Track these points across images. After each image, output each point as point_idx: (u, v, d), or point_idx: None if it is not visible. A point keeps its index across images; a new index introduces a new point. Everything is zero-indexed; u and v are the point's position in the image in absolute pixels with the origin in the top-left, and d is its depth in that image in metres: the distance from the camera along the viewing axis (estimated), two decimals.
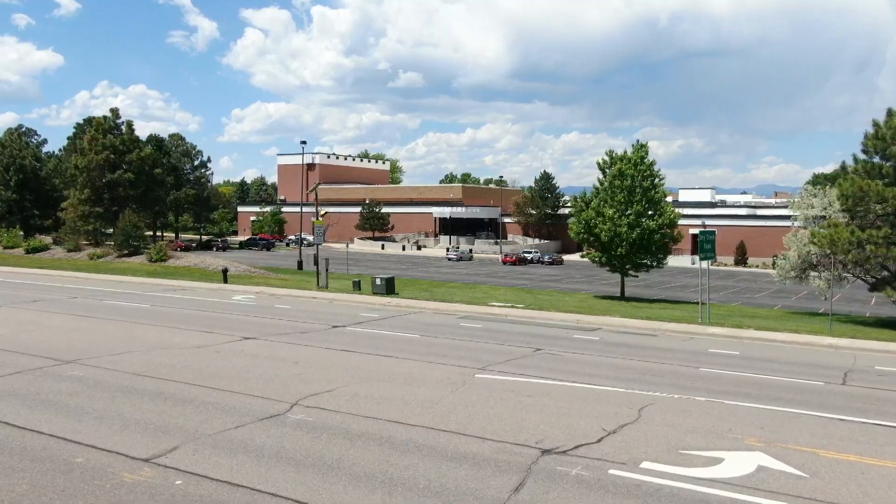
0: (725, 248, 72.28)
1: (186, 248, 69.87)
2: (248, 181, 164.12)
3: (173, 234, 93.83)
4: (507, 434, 9.79)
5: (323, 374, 13.72)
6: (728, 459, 8.98)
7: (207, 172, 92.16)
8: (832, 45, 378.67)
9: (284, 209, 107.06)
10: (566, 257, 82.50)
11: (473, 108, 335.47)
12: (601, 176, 43.56)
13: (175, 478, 7.81)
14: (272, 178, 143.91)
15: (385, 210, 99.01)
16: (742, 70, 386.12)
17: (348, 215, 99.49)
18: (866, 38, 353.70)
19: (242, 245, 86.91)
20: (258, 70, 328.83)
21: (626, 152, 42.63)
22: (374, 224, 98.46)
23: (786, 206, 65.53)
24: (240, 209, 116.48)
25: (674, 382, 14.22)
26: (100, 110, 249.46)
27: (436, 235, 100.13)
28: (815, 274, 34.31)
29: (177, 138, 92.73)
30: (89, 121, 79.74)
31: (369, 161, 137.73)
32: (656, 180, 42.08)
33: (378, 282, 33.70)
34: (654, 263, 42.79)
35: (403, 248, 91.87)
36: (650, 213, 41.32)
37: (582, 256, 57.00)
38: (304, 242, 64.12)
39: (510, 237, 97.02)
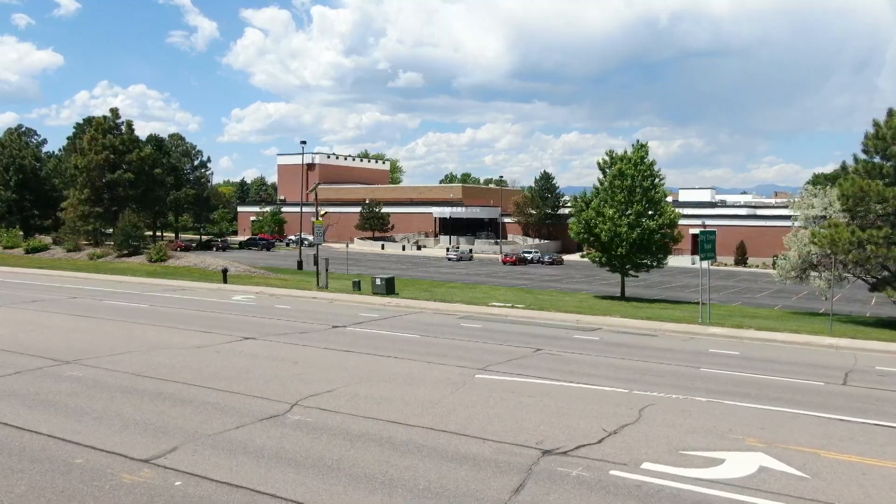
0: (725, 248, 72.26)
1: (186, 248, 69.84)
2: (248, 181, 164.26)
3: (173, 234, 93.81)
4: (507, 435, 9.76)
5: (323, 375, 13.70)
6: (729, 460, 8.96)
7: (207, 172, 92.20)
8: (832, 45, 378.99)
9: (284, 209, 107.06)
10: (566, 257, 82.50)
11: (473, 108, 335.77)
12: (601, 176, 43.55)
13: (174, 479, 7.79)
14: (272, 178, 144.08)
15: (385, 210, 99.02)
16: (742, 70, 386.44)
17: (348, 215, 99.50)
18: (866, 38, 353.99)
19: (242, 245, 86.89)
20: (258, 70, 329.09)
21: (626, 152, 42.62)
22: (374, 224, 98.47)
23: (786, 206, 65.53)
24: (240, 209, 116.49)
25: (674, 383, 14.19)
26: (100, 110, 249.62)
27: (436, 235, 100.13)
28: (816, 274, 34.29)
29: (177, 138, 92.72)
30: (89, 121, 79.71)
31: (369, 161, 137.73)
32: (656, 180, 42.07)
33: (378, 282, 33.68)
34: (655, 263, 42.78)
35: (403, 248, 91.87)
36: (650, 213, 41.31)
37: (582, 256, 57.01)
38: (305, 243, 64.11)
39: (510, 237, 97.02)
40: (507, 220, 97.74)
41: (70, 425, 9.71)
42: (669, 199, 49.36)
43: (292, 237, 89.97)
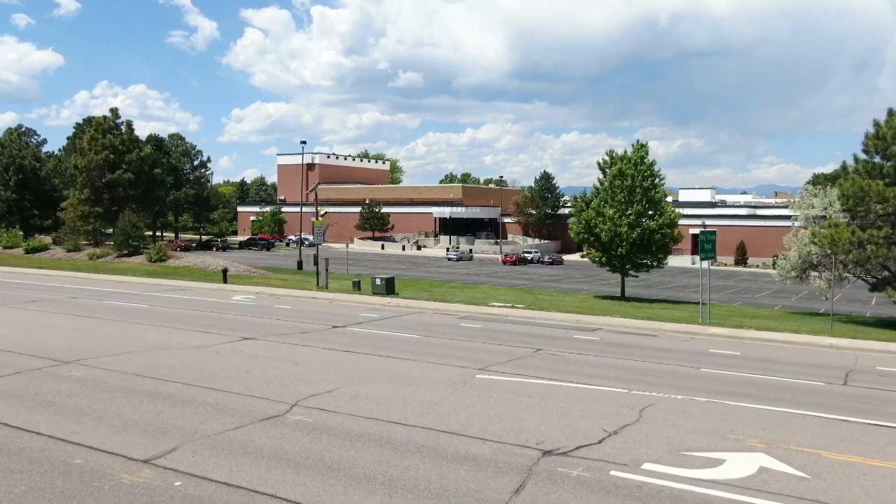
0: (725, 248, 72.26)
1: (186, 248, 69.83)
2: (248, 181, 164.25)
3: (173, 234, 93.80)
4: (507, 435, 9.75)
5: (323, 375, 13.68)
6: (730, 460, 8.94)
7: (207, 172, 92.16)
8: (832, 45, 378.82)
9: (284, 209, 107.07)
10: (566, 257, 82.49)
11: (473, 108, 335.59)
12: (601, 176, 43.54)
13: (174, 479, 7.77)
14: (272, 178, 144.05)
15: (385, 210, 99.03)
16: (742, 70, 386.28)
17: (348, 215, 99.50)
18: (866, 38, 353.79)
19: (242, 245, 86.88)
20: (258, 70, 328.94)
21: (626, 152, 42.61)
22: (374, 224, 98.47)
23: (786, 206, 65.51)
24: (240, 209, 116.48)
25: (674, 383, 14.18)
26: (100, 110, 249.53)
27: (436, 235, 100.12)
28: (816, 274, 34.28)
29: (177, 138, 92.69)
30: (89, 121, 79.71)
31: (369, 161, 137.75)
32: (656, 180, 42.06)
33: (378, 282, 33.66)
34: (655, 263, 42.76)
35: (403, 248, 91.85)
36: (650, 213, 41.30)
37: (582, 256, 57.00)
38: (305, 243, 64.09)
39: (510, 237, 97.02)
40: (507, 220, 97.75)
41: (69, 426, 9.70)
42: (669, 199, 49.35)
43: (292, 237, 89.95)
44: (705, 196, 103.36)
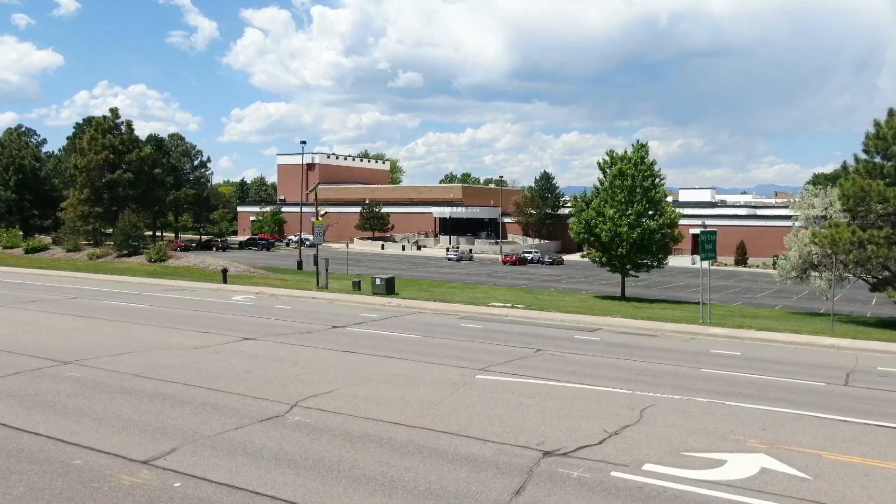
0: (726, 248, 72.23)
1: (186, 248, 69.80)
2: (248, 181, 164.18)
3: (173, 234, 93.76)
4: (507, 436, 9.72)
5: (322, 375, 13.66)
6: (731, 461, 8.92)
7: (207, 172, 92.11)
8: (832, 45, 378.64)
9: (284, 209, 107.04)
10: (566, 257, 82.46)
11: (473, 108, 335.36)
12: (601, 176, 43.52)
13: (174, 480, 7.75)
14: (272, 178, 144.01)
15: (385, 210, 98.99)
16: (742, 70, 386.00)
17: (348, 215, 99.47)
18: (866, 38, 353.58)
19: (242, 245, 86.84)
20: (258, 70, 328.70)
21: (626, 152, 42.60)
22: (374, 224, 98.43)
23: (786, 206, 65.54)
24: (239, 209, 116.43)
25: (675, 383, 14.15)
26: (100, 110, 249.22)
27: (436, 235, 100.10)
28: (816, 274, 34.26)
29: (176, 138, 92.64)
30: (89, 121, 79.65)
31: (369, 161, 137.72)
32: (657, 180, 42.04)
33: (378, 282, 33.64)
34: (655, 263, 42.75)
35: (403, 248, 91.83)
36: (650, 213, 41.28)
37: (582, 256, 56.97)
38: (306, 243, 64.05)
39: (510, 237, 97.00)
40: (507, 220, 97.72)
41: (69, 426, 9.67)
42: (669, 199, 49.34)
43: (292, 237, 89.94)
44: (705, 196, 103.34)
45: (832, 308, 28.20)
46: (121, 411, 10.52)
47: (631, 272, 43.05)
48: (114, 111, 70.37)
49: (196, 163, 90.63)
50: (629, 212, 40.85)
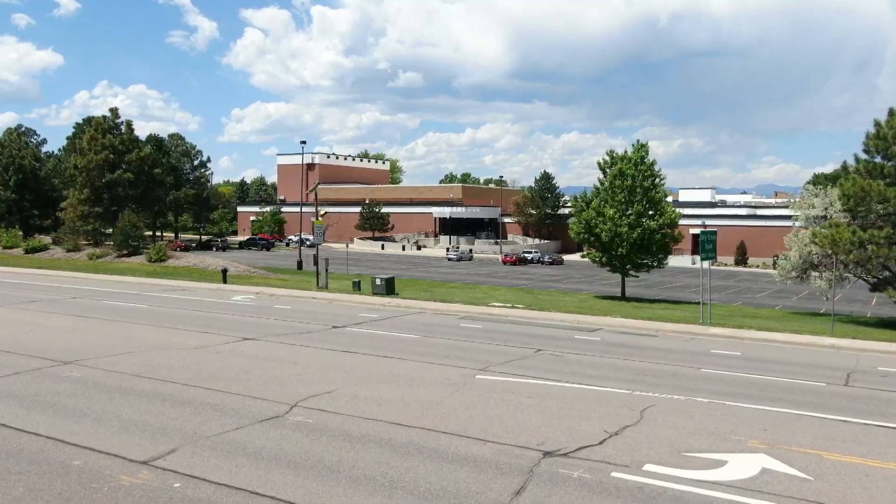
0: (726, 248, 72.21)
1: (186, 249, 69.77)
2: (248, 181, 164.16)
3: (173, 234, 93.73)
4: (508, 436, 9.71)
5: (322, 376, 13.65)
6: (731, 462, 8.90)
7: (207, 172, 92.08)
8: (832, 45, 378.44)
9: (284, 209, 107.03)
10: (566, 257, 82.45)
11: (473, 108, 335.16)
12: (601, 176, 43.50)
13: (173, 481, 7.73)
14: (272, 178, 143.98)
15: (385, 210, 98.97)
16: (742, 70, 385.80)
17: (348, 215, 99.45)
18: (866, 38, 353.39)
19: (242, 245, 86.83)
20: (258, 70, 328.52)
21: (626, 152, 42.59)
22: (374, 224, 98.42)
23: (786, 206, 65.50)
24: (239, 209, 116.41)
25: (675, 383, 14.14)
26: (99, 110, 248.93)
27: (436, 235, 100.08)
28: (817, 274, 34.26)
29: (176, 138, 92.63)
30: (89, 121, 79.64)
31: (369, 161, 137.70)
32: (657, 180, 42.03)
33: (378, 282, 33.63)
34: (655, 263, 42.74)
35: (403, 248, 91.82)
36: (651, 213, 41.26)
37: (582, 256, 56.96)
38: (306, 243, 64.03)
39: (510, 237, 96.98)
40: (507, 220, 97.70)
41: (68, 426, 9.66)
42: (669, 199, 49.33)
43: (292, 237, 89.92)
44: (705, 196, 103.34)
45: (832, 308, 28.18)
46: (120, 411, 10.51)
47: (631, 272, 43.04)
48: (114, 111, 70.36)
49: (196, 163, 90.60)
50: (629, 212, 40.84)
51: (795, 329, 24.88)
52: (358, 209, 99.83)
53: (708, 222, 77.62)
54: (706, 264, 28.31)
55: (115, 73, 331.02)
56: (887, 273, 31.00)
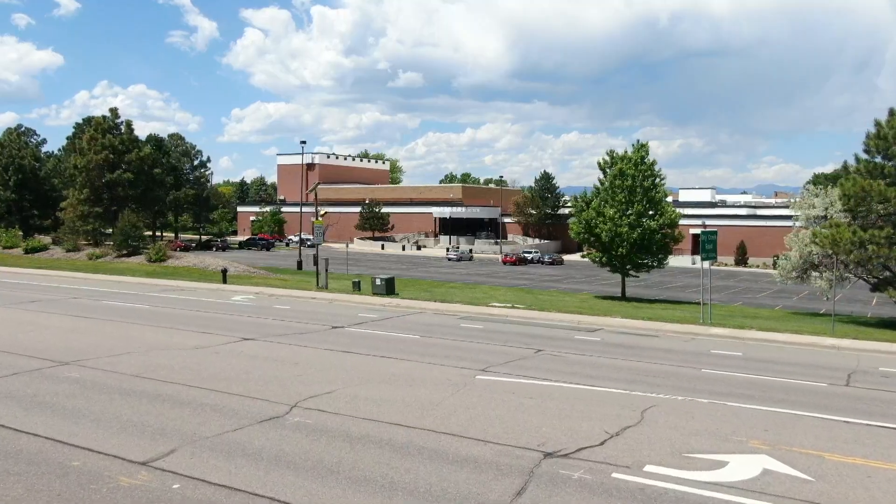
0: (726, 248, 72.14)
1: (186, 249, 69.73)
2: (248, 181, 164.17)
3: (173, 234, 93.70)
4: (508, 437, 9.68)
5: (322, 376, 13.62)
6: (733, 463, 8.87)
7: (207, 172, 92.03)
8: (832, 45, 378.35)
9: (284, 209, 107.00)
10: (566, 257, 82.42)
11: (473, 108, 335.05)
12: (602, 176, 43.47)
13: (172, 482, 7.70)
14: (272, 178, 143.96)
15: (385, 210, 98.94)
16: (742, 70, 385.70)
17: (348, 215, 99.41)
18: (866, 38, 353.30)
19: (242, 245, 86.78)
20: (258, 70, 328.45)
21: (626, 152, 42.55)
22: (374, 224, 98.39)
23: (786, 206, 65.47)
24: (239, 209, 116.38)
25: (676, 384, 14.11)
26: (99, 110, 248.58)
27: (436, 235, 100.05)
28: (817, 274, 34.23)
29: (176, 138, 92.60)
30: (88, 121, 79.59)
31: (369, 161, 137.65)
32: (657, 180, 41.99)
33: (378, 282, 33.59)
34: (655, 263, 42.70)
35: (403, 248, 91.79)
36: (651, 213, 41.23)
37: (582, 256, 56.91)
38: (307, 243, 63.99)
39: (510, 237, 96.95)
40: (507, 220, 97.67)
41: (67, 427, 9.63)
42: (669, 199, 49.29)
43: (292, 237, 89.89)
44: (705, 196, 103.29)
45: (833, 308, 28.16)
46: (120, 412, 10.47)
47: (631, 272, 43.00)
48: (113, 111, 70.32)
49: (196, 163, 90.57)
50: (629, 212, 40.80)
51: (796, 329, 24.85)
52: (358, 209, 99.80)
53: (708, 222, 77.57)
54: (706, 264, 28.29)
55: (115, 73, 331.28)
56: (888, 273, 30.97)
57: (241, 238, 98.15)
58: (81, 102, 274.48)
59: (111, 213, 62.75)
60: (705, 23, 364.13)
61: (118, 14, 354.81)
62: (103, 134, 65.32)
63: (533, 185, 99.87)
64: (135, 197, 67.08)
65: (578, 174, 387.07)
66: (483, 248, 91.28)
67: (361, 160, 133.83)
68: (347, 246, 55.24)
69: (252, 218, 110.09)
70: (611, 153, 43.21)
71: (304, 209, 74.88)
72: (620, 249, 40.53)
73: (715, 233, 29.87)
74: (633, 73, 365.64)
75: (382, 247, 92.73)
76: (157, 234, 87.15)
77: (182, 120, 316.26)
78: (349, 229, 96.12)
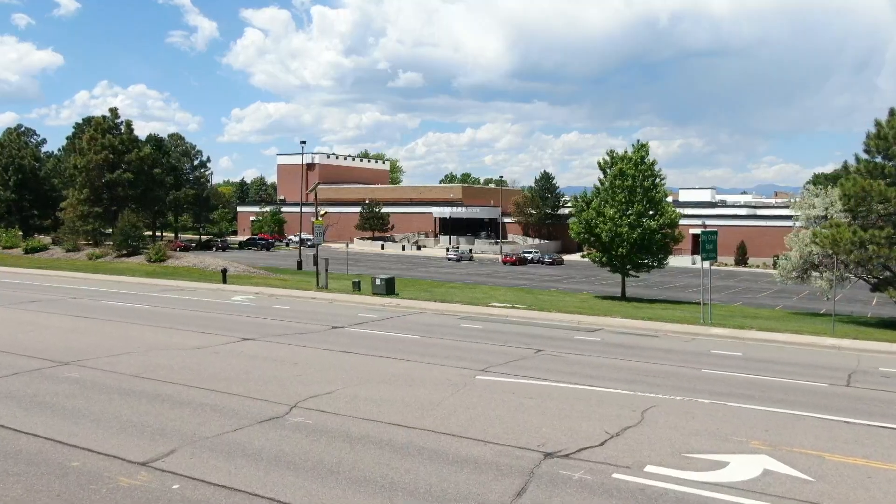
0: (726, 248, 72.08)
1: (186, 249, 69.71)
2: (248, 181, 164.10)
3: (173, 234, 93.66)
4: (508, 437, 9.67)
5: (322, 376, 13.61)
6: (733, 463, 8.86)
7: (207, 172, 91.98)
8: (832, 45, 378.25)
9: (284, 209, 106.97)
10: (566, 257, 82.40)
11: (473, 108, 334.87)
12: (602, 176, 43.45)
13: (172, 482, 7.69)
14: (272, 178, 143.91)
15: (385, 210, 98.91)
16: (742, 70, 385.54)
17: (348, 215, 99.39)
18: (866, 38, 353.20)
19: (242, 245, 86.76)
20: (258, 70, 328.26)
21: (626, 152, 42.53)
22: (374, 224, 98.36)
23: (786, 206, 65.47)
24: (239, 209, 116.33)
25: (676, 384, 14.10)
26: (99, 110, 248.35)
27: (436, 235, 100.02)
28: (817, 274, 34.21)
29: (176, 138, 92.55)
30: (88, 121, 79.58)
31: (369, 161, 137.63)
32: (657, 180, 41.98)
33: (378, 282, 33.58)
34: (655, 263, 42.68)
35: (403, 248, 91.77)
36: (651, 213, 41.21)
37: (582, 256, 56.90)
38: (307, 243, 63.97)
39: (510, 237, 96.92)
40: (507, 220, 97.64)
41: (67, 427, 9.62)
42: (669, 199, 49.27)
43: (292, 237, 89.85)
44: (705, 196, 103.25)
45: (833, 308, 28.15)
46: (119, 412, 10.46)
47: (631, 272, 42.99)
48: (113, 111, 70.31)
49: (196, 163, 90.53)
50: (629, 212, 40.79)
51: (796, 329, 24.84)
52: (358, 209, 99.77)
53: (708, 222, 77.55)
54: (706, 264, 28.28)
55: (115, 73, 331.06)
56: (888, 273, 30.96)
57: (241, 238, 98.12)
58: (81, 102, 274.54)
59: (111, 213, 62.74)
60: (705, 23, 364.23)
61: (118, 14, 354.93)
62: (103, 134, 65.31)
63: (533, 185, 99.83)
64: (135, 197, 67.08)
65: (578, 174, 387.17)
66: (483, 248, 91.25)
67: (361, 160, 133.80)
68: (347, 246, 55.23)
69: (252, 218, 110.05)
70: (611, 153, 43.20)
71: (304, 209, 74.88)
72: (620, 249, 40.52)
73: (715, 233, 29.85)
74: (633, 73, 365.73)
75: (382, 247, 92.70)
76: (157, 234, 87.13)
77: (182, 120, 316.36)
78: (349, 229, 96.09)
